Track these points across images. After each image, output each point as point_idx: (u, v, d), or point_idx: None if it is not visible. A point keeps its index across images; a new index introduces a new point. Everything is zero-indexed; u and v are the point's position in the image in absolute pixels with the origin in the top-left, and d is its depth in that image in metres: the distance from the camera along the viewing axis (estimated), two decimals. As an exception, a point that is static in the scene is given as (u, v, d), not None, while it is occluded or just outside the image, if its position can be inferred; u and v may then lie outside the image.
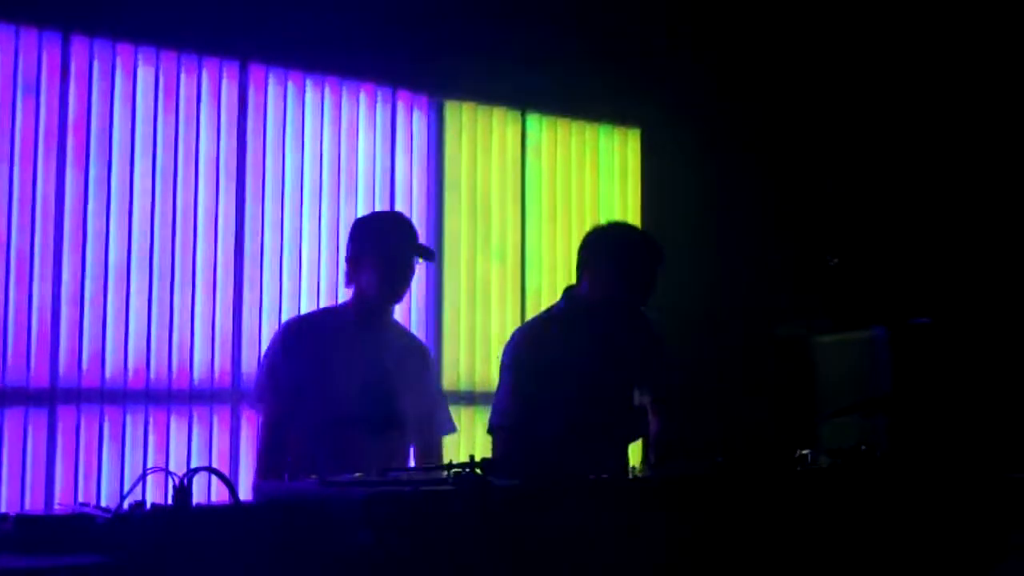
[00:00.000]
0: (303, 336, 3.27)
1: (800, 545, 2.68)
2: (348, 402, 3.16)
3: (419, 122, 4.75)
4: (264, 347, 3.53)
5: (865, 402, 3.78)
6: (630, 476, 2.76)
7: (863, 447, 3.05)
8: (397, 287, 3.29)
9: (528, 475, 2.45)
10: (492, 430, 3.37)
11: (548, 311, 3.60)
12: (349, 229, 3.42)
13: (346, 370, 3.19)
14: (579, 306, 3.43)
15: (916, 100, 5.29)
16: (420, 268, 4.48)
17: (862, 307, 4.63)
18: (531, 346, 3.39)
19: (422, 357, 3.48)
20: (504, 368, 3.38)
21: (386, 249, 3.25)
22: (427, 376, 3.46)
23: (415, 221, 4.58)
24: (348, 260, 3.31)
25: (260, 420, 3.30)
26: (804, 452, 2.99)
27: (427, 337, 4.56)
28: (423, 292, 4.67)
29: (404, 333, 3.54)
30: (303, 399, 3.17)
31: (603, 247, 3.42)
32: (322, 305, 4.30)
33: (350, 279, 3.30)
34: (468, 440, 4.58)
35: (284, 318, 4.28)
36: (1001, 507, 2.97)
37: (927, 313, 4.45)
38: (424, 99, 4.76)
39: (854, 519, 2.80)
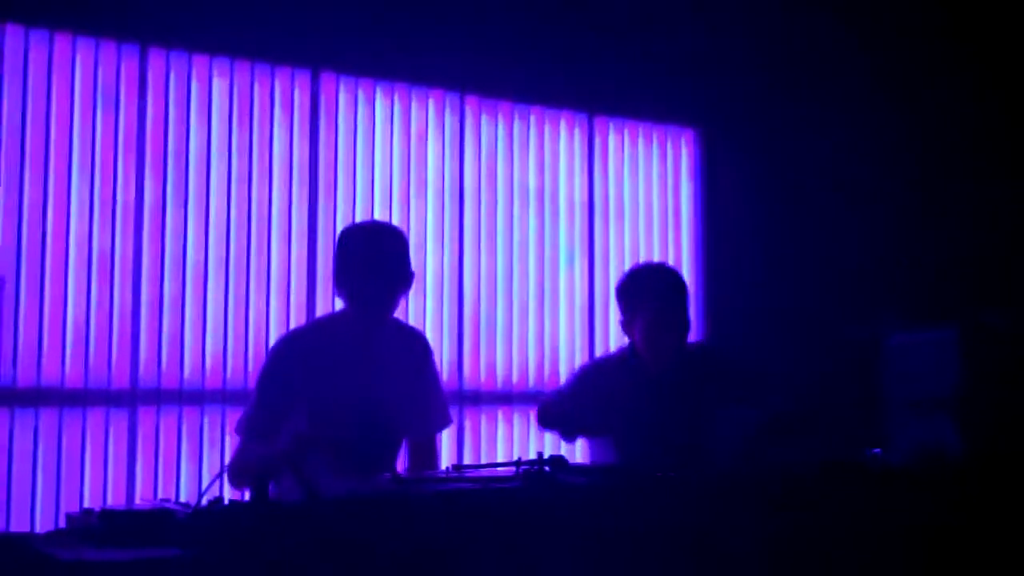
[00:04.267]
0: (304, 348, 3.12)
1: (879, 544, 2.68)
2: (345, 417, 3.01)
3: (487, 127, 4.80)
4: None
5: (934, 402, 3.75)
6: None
7: (934, 447, 3.04)
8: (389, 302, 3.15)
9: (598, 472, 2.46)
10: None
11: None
12: (339, 239, 3.19)
13: (346, 382, 3.05)
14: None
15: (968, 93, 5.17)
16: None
17: (933, 307, 4.58)
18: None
19: (422, 350, 3.30)
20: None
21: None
22: (426, 369, 3.29)
23: (482, 226, 4.70)
24: (336, 276, 3.14)
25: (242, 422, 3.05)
26: (875, 452, 3.00)
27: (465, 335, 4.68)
28: (485, 295, 4.74)
29: (400, 328, 3.32)
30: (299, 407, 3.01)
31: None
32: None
33: (338, 292, 3.14)
34: (507, 439, 4.73)
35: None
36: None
37: (999, 312, 4.39)
38: (493, 104, 4.82)
39: (925, 517, 2.79)
